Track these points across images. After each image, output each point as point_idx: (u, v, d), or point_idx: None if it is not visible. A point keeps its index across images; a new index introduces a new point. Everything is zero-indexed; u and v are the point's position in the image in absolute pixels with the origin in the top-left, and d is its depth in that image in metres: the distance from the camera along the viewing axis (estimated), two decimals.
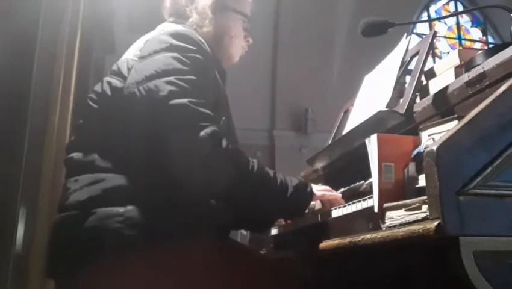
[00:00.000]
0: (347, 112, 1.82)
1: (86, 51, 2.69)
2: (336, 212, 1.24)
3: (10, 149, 2.07)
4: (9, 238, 2.03)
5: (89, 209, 1.12)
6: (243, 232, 3.85)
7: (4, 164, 2.02)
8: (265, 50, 6.70)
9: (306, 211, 1.34)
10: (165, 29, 1.34)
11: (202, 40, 1.32)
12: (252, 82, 6.43)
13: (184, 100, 1.15)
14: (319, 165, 1.78)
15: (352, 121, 1.62)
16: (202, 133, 1.12)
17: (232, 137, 1.36)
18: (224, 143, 1.16)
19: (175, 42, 1.25)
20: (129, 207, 1.11)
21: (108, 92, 1.26)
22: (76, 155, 1.25)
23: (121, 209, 1.11)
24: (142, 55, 1.26)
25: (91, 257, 1.10)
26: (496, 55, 1.04)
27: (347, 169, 1.52)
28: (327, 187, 1.39)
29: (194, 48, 1.26)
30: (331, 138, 1.92)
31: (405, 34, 1.51)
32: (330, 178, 1.70)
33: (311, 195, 1.30)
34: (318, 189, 1.35)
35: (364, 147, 1.10)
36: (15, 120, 2.10)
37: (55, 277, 1.26)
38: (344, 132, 1.68)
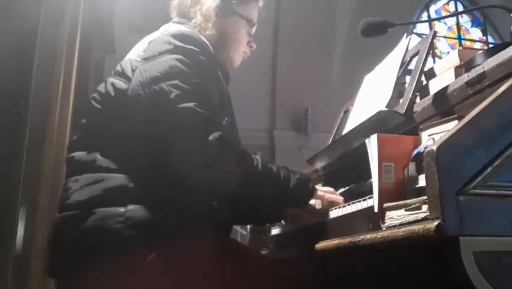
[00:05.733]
0: (347, 112, 1.82)
1: (86, 51, 2.69)
2: (336, 212, 1.24)
3: (10, 149, 2.07)
4: (9, 238, 2.03)
5: (89, 209, 1.12)
6: (243, 232, 3.87)
7: (4, 164, 2.02)
8: (265, 50, 6.69)
9: (310, 202, 1.36)
10: (169, 29, 1.34)
11: (206, 41, 1.32)
12: (252, 82, 6.42)
13: (190, 104, 1.16)
14: (319, 165, 1.78)
15: (352, 121, 1.62)
16: (210, 138, 1.14)
17: (235, 137, 1.37)
18: (231, 146, 1.19)
19: (179, 44, 1.25)
20: (130, 207, 1.11)
21: (112, 93, 1.27)
22: (77, 154, 1.25)
23: (121, 209, 1.11)
24: (146, 56, 1.26)
25: (91, 257, 1.10)
26: (496, 55, 1.04)
27: (347, 169, 1.52)
28: (331, 189, 1.40)
29: (198, 50, 1.26)
30: (331, 138, 1.92)
31: (405, 34, 1.51)
32: (330, 178, 1.70)
33: (313, 189, 1.33)
34: (321, 189, 1.36)
35: (364, 147, 1.10)
36: (15, 119, 2.10)
37: (55, 277, 1.26)
38: (344, 132, 1.68)
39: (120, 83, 1.26)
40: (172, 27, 1.40)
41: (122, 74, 1.28)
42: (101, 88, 1.32)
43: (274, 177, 1.28)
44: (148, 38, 1.36)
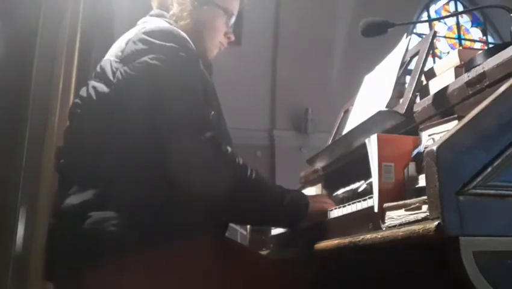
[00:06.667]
0: (347, 112, 1.82)
1: (86, 51, 2.68)
2: (336, 212, 1.24)
3: (10, 149, 2.07)
4: (9, 238, 2.03)
5: (84, 213, 1.11)
6: (243, 231, 3.87)
7: (4, 164, 2.02)
8: (265, 50, 6.70)
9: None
10: (147, 26, 1.30)
11: (185, 36, 1.29)
12: (252, 82, 6.43)
13: (176, 104, 1.15)
14: (319, 165, 1.78)
15: (352, 121, 1.62)
16: (202, 138, 1.13)
17: (223, 131, 1.35)
18: (223, 147, 1.18)
19: (157, 42, 1.22)
20: (123, 210, 1.11)
21: (94, 97, 1.24)
22: (66, 160, 1.25)
23: (115, 213, 1.10)
24: (125, 56, 1.23)
25: (89, 261, 1.09)
26: (496, 55, 1.04)
27: (347, 169, 1.52)
28: (324, 198, 1.38)
29: (177, 47, 1.23)
30: (331, 138, 1.92)
31: (405, 34, 1.51)
32: (330, 178, 1.70)
33: (307, 208, 1.28)
34: (315, 200, 1.33)
35: (364, 147, 1.10)
36: (15, 119, 2.10)
37: (53, 281, 1.25)
38: (344, 132, 1.68)
39: (102, 86, 1.24)
40: (150, 22, 1.35)
41: (102, 77, 1.25)
42: (83, 92, 1.29)
43: (268, 189, 1.25)
44: (126, 36, 1.32)
